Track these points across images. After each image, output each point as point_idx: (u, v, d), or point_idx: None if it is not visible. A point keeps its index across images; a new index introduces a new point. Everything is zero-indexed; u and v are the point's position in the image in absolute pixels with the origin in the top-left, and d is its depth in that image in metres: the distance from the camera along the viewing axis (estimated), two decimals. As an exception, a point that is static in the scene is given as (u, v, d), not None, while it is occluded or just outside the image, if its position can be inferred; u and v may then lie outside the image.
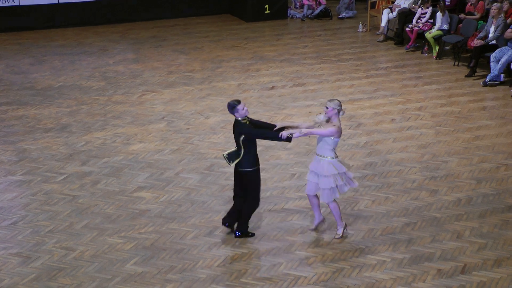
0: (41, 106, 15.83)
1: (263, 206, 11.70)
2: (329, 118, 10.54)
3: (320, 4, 22.63)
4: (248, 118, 10.62)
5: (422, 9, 19.34)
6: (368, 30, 21.30)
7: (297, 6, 22.85)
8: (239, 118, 10.53)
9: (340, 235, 10.87)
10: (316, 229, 11.07)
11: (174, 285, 9.85)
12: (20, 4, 21.03)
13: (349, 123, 14.91)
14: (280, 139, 10.38)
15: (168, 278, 10.01)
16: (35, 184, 12.52)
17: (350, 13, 22.73)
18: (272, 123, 10.84)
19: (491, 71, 16.91)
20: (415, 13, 19.47)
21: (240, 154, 10.56)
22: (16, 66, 18.25)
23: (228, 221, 10.98)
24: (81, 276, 10.04)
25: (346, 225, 10.97)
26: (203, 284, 9.89)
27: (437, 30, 18.69)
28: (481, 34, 17.62)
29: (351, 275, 10.08)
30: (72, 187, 12.44)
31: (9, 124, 14.90)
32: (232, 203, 11.02)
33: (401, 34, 19.83)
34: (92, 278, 10.00)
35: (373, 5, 21.74)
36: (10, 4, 20.93)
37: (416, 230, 11.16)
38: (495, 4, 17.58)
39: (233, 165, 10.63)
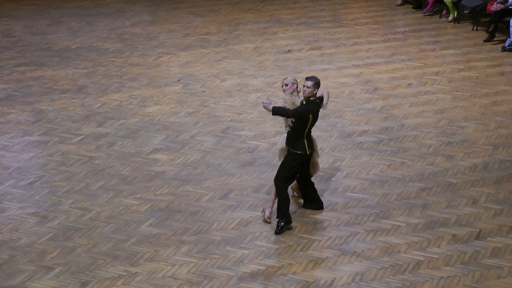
0: (58, 67, 15.85)
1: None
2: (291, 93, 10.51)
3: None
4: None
5: (441, -27, 19.16)
6: (386, -7, 21.13)
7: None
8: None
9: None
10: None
11: (188, 247, 9.91)
12: (37, -36, 20.97)
13: (366, 87, 14.86)
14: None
15: (183, 239, 10.07)
16: (52, 145, 12.57)
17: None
18: None
19: (510, 36, 16.76)
20: (434, -23, 19.29)
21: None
22: (33, 27, 18.25)
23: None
24: (97, 236, 10.11)
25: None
26: (217, 246, 9.94)
27: (455, -6, 18.52)
28: (501, -1, 17.46)
29: (365, 239, 10.11)
30: (89, 148, 12.48)
31: (27, 85, 14.93)
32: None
33: (420, -2, 19.68)
34: (108, 238, 10.08)
35: (391, -31, 21.55)
36: (27, -36, 20.87)
37: (432, 196, 11.15)
38: (515, -32, 17.38)
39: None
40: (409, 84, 15.06)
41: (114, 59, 16.28)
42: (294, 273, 9.42)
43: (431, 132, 13.07)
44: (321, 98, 10.31)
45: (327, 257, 9.75)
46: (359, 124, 13.34)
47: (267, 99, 9.95)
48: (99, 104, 14.12)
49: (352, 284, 9.23)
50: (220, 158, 12.23)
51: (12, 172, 11.70)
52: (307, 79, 10.12)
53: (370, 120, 13.52)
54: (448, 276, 9.39)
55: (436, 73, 15.58)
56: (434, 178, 11.61)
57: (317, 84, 10.08)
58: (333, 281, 9.28)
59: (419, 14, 19.31)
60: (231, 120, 13.51)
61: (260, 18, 19.09)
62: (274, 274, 9.40)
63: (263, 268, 9.52)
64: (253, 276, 9.35)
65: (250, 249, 9.88)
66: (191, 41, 17.41)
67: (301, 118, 10.06)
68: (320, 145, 12.55)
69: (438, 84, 15.05)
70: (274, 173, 11.67)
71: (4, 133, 12.94)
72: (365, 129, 13.14)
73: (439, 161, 12.13)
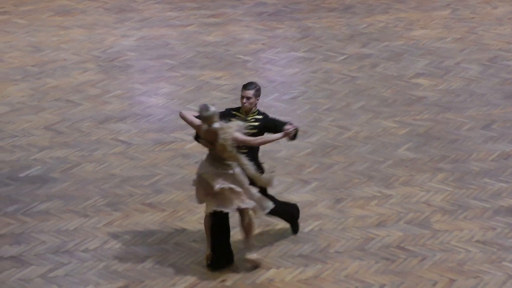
0: (326, -15, 16.00)
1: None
2: None
3: None
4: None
5: None
6: None
7: None
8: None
9: None
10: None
11: (445, 175, 9.79)
12: None
13: None
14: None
15: (439, 167, 9.97)
16: (316, 62, 12.79)
17: None
18: None
19: None
20: None
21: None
22: None
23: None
24: (353, 155, 10.24)
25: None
26: (474, 176, 9.75)
27: None
28: None
29: None
30: (351, 68, 12.59)
31: (296, 1, 15.20)
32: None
33: None
34: (364, 159, 10.17)
35: None
36: None
37: None
38: None
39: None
40: None
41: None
42: (553, 212, 9.09)
43: None
44: None
45: None
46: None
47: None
48: (365, 25, 14.14)
49: None
50: (484, 87, 11.90)
51: (277, 85, 12.06)
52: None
53: None
54: None
55: None
56: None
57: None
58: None
59: None
60: (499, 49, 13.06)
61: None
62: (532, 211, 9.12)
63: (521, 203, 9.26)
64: (510, 210, 9.10)
65: (509, 183, 9.61)
66: (463, -35, 16.91)
67: None
68: None
69: None
70: (541, 107, 11.28)
71: (271, 47, 13.33)
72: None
73: None
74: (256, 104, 7.96)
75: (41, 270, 8.03)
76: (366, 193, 9.44)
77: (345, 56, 12.97)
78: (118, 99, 11.59)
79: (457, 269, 8.12)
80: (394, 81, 12.13)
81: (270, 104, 11.48)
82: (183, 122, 11.12)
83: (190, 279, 7.97)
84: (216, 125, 7.66)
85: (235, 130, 7.65)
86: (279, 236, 8.65)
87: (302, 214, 8.96)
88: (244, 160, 7.76)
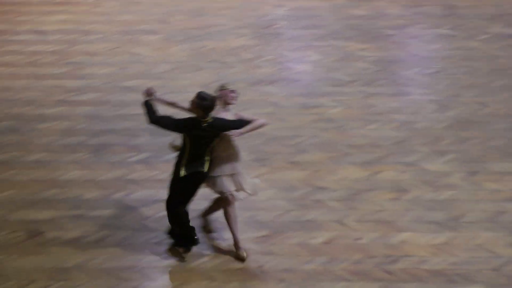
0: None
1: None
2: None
3: None
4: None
5: None
6: None
7: None
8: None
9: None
10: None
11: None
12: None
13: None
14: None
15: None
16: (459, 40, 13.03)
17: None
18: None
19: None
20: None
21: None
22: None
23: None
24: (491, 131, 10.46)
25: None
26: None
27: None
28: None
29: None
30: (494, 47, 12.77)
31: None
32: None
33: None
34: (502, 135, 10.37)
35: None
36: None
37: None
38: None
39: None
40: None
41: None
42: None
43: None
44: (228, 122, 7.94)
45: None
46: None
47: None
48: (510, 5, 14.25)
49: None
50: None
51: (419, 60, 12.41)
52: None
53: None
54: None
55: None
56: None
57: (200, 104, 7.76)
58: None
59: None
60: None
61: None
62: None
63: None
64: None
65: None
66: None
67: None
68: None
69: None
70: None
71: (416, 23, 13.65)
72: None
73: None
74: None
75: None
76: (501, 168, 9.68)
77: (488, 35, 13.17)
78: (269, 64, 12.23)
79: None
80: (530, 61, 12.33)
81: (411, 77, 11.86)
82: (328, 89, 11.75)
83: (327, 235, 8.50)
84: None
85: None
86: (414, 201, 9.05)
87: (436, 183, 9.34)
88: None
